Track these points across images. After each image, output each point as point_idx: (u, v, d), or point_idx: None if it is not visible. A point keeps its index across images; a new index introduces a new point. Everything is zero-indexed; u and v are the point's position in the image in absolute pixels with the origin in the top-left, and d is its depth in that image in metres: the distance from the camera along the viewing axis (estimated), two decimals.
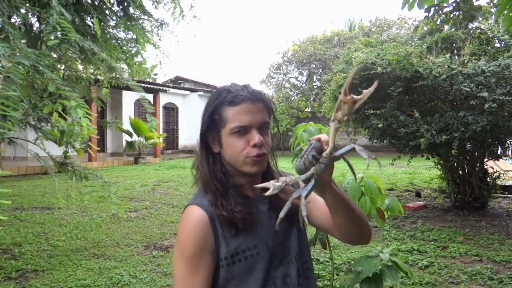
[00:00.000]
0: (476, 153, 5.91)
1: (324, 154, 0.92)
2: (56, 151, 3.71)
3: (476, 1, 5.44)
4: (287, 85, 22.21)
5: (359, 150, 0.91)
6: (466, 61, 5.17)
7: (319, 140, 0.94)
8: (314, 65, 21.49)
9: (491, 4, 5.27)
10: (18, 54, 2.16)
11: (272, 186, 0.91)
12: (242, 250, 1.04)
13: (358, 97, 0.88)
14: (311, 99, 21.05)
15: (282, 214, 0.92)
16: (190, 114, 18.57)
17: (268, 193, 0.90)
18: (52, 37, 2.71)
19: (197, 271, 1.01)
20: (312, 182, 0.93)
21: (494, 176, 6.12)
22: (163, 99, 17.41)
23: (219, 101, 1.05)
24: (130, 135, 14.46)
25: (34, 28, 3.58)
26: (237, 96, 1.03)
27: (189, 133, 18.40)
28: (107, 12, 3.88)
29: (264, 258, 1.06)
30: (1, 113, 1.87)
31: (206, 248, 1.02)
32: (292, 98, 21.07)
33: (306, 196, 0.92)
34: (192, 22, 4.47)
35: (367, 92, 0.88)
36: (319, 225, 1.19)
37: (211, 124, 1.05)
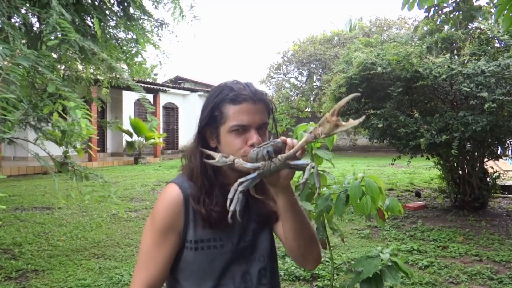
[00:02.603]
0: (476, 153, 5.91)
1: (279, 156, 0.93)
2: (56, 151, 3.71)
3: (476, 1, 5.45)
4: (287, 85, 22.22)
5: (308, 169, 0.93)
6: (466, 61, 5.17)
7: (284, 142, 0.95)
8: (314, 65, 21.50)
9: (491, 4, 5.28)
10: (18, 55, 2.16)
11: (218, 157, 0.95)
12: (207, 239, 1.08)
13: (343, 123, 0.89)
14: (311, 99, 21.06)
15: (238, 207, 0.94)
16: (190, 114, 18.57)
17: (211, 161, 0.95)
18: (52, 37, 2.71)
19: (162, 246, 1.06)
20: (254, 174, 0.95)
21: (494, 176, 6.12)
22: (163, 99, 17.42)
23: (220, 97, 1.06)
24: (130, 135, 14.46)
25: (34, 28, 3.58)
26: (239, 95, 1.04)
27: (189, 133, 18.26)
28: (107, 12, 3.88)
29: (227, 252, 1.09)
30: (0, 116, 1.87)
31: (174, 227, 1.06)
32: (292, 98, 21.08)
33: (241, 183, 0.94)
34: (192, 22, 4.47)
35: (351, 123, 0.89)
36: (277, 233, 1.19)
37: (211, 119, 1.07)
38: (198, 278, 1.09)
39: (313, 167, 0.93)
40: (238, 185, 0.94)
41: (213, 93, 1.09)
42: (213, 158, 0.97)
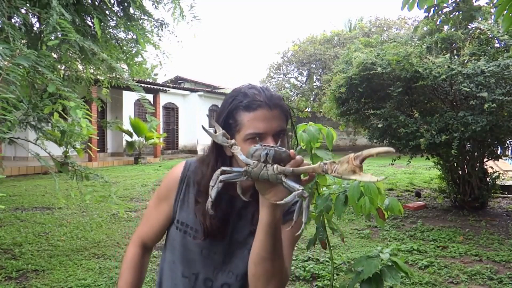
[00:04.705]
0: (476, 153, 5.92)
1: (275, 165, 0.83)
2: (57, 151, 3.72)
3: (476, 1, 5.45)
4: (287, 85, 22.23)
5: (293, 194, 0.81)
6: (465, 61, 5.18)
7: (292, 156, 0.85)
8: (314, 65, 21.50)
9: (491, 4, 5.28)
10: (18, 55, 2.16)
11: (220, 135, 0.92)
12: (186, 224, 1.10)
13: (361, 173, 0.79)
14: (311, 99, 21.06)
15: (213, 195, 0.87)
16: (190, 114, 18.57)
17: (211, 135, 0.94)
18: (52, 37, 2.71)
19: (156, 211, 1.17)
20: (241, 170, 0.87)
21: (494, 176, 6.12)
22: (163, 99, 17.42)
23: (234, 104, 1.00)
24: (130, 135, 14.46)
25: (34, 29, 3.58)
26: (253, 101, 0.98)
27: (189, 133, 18.42)
28: (107, 12, 3.88)
29: (197, 245, 1.09)
30: (1, 116, 1.87)
31: (167, 198, 1.14)
32: (292, 98, 21.08)
33: (224, 172, 0.87)
34: (192, 22, 4.47)
35: (368, 177, 0.78)
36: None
37: (226, 127, 1.00)
38: (175, 256, 1.13)
39: (304, 197, 0.81)
40: (221, 173, 0.87)
41: (227, 100, 1.03)
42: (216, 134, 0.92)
